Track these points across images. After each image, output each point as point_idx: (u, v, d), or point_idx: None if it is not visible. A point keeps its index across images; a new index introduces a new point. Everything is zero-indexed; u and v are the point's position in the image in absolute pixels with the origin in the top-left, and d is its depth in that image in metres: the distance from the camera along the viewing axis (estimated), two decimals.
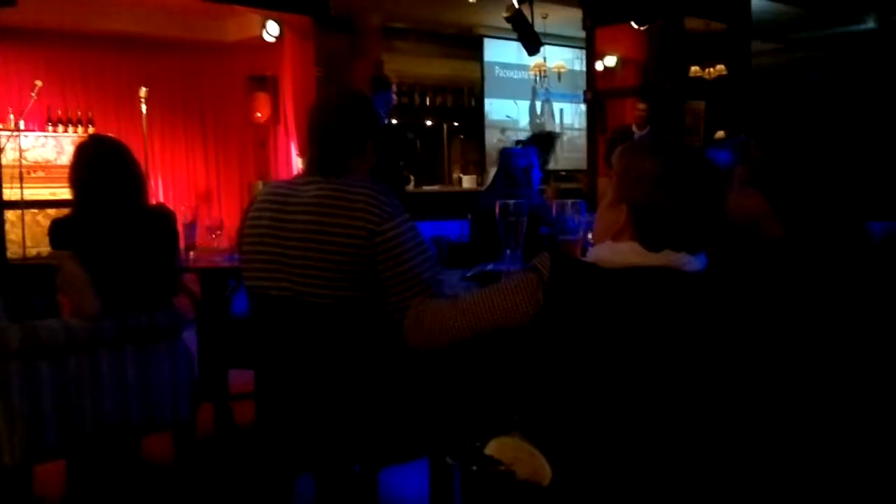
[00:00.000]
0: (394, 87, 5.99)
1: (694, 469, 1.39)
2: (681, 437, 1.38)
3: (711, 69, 10.35)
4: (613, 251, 1.53)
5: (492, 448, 1.21)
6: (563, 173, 11.01)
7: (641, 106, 8.34)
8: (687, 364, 1.41)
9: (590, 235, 2.62)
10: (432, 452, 2.12)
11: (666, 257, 1.49)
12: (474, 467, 1.16)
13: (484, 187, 7.81)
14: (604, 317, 1.44)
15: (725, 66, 10.15)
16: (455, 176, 10.38)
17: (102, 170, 2.97)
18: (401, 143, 6.00)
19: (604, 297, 1.46)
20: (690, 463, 1.39)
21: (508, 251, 2.47)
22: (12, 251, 6.06)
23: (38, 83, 6.93)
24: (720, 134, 8.05)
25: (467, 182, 10.05)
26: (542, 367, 1.46)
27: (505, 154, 4.63)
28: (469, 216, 4.66)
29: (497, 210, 2.46)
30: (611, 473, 1.35)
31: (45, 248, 6.73)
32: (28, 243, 6.83)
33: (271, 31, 8.04)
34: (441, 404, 2.08)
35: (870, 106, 6.80)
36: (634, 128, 8.39)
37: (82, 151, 3.05)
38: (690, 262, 1.50)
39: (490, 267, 2.53)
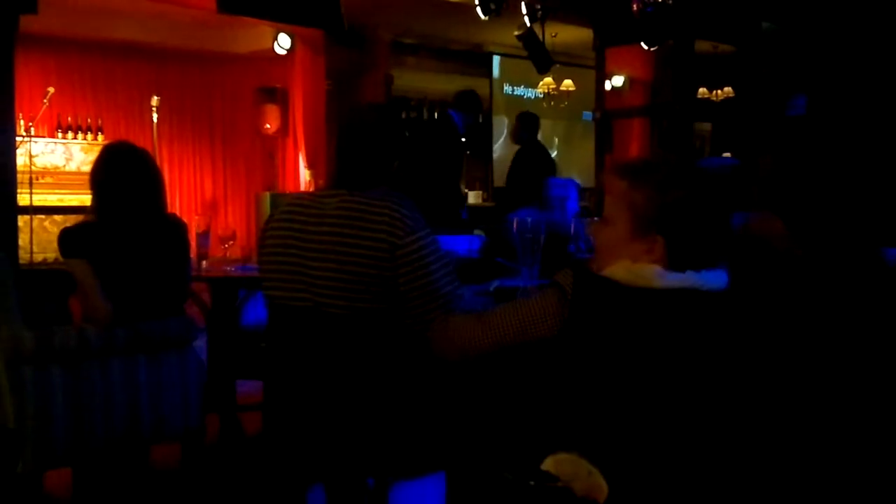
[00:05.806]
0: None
1: (728, 482, 1.40)
2: (710, 453, 1.39)
3: (719, 91, 10.41)
4: (633, 273, 1.54)
5: (548, 464, 1.21)
6: None
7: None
8: (715, 382, 1.42)
9: None
10: (448, 467, 2.11)
11: (688, 279, 1.51)
12: (532, 482, 1.16)
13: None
14: (632, 335, 1.45)
15: (733, 88, 10.21)
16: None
17: (126, 173, 2.97)
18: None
19: (631, 315, 1.47)
20: (723, 477, 1.39)
21: (525, 268, 2.48)
22: (20, 257, 6.04)
23: (51, 90, 6.95)
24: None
25: (473, 197, 10.07)
26: (570, 383, 1.47)
27: (546, 183, 4.75)
28: (474, 231, 4.77)
29: (514, 226, 2.47)
30: (652, 490, 1.36)
31: (51, 255, 6.73)
32: (34, 249, 6.82)
33: (283, 43, 8.07)
34: (458, 418, 2.08)
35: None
36: None
37: (106, 154, 3.05)
38: (711, 281, 1.51)
39: (497, 284, 2.55)
